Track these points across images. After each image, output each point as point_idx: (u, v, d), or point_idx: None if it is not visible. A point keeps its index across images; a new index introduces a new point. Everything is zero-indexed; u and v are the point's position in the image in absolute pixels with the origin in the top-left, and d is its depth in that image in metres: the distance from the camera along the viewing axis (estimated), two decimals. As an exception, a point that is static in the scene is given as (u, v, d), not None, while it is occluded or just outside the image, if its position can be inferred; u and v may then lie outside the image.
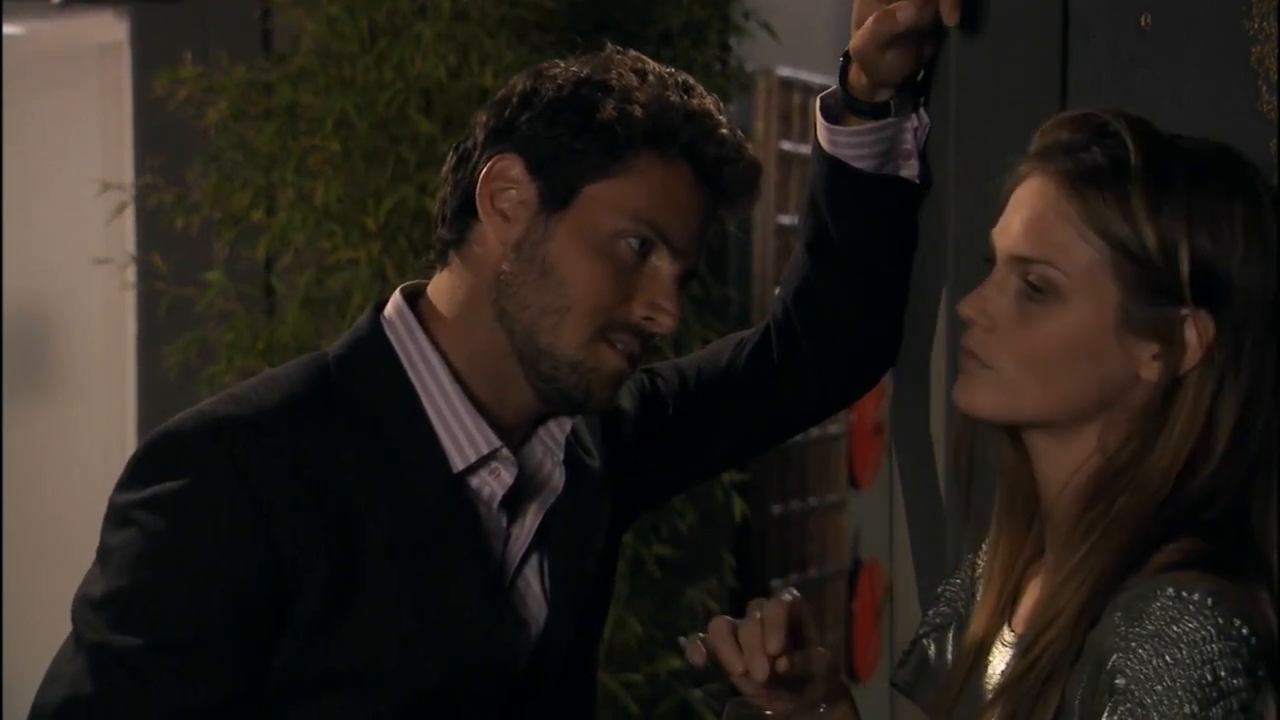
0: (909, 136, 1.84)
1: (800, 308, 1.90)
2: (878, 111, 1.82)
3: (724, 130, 1.65)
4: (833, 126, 1.84)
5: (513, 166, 1.64)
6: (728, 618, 1.54)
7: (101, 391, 4.92)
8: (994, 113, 1.79)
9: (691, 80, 1.67)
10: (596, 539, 1.75)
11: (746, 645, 1.50)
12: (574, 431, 1.73)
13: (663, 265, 1.64)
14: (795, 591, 1.56)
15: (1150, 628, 1.32)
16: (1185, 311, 1.40)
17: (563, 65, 1.66)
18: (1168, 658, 1.30)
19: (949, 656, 1.63)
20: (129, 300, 4.66)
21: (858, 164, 1.84)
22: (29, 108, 4.92)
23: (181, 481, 1.56)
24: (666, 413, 1.87)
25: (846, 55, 1.82)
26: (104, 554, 1.59)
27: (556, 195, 1.63)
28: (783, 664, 1.51)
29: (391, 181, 3.52)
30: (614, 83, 1.63)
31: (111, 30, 4.82)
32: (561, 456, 1.71)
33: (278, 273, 3.90)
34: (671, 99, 1.64)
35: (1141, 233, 1.39)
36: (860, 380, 1.96)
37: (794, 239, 1.97)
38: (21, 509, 4.87)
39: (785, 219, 4.59)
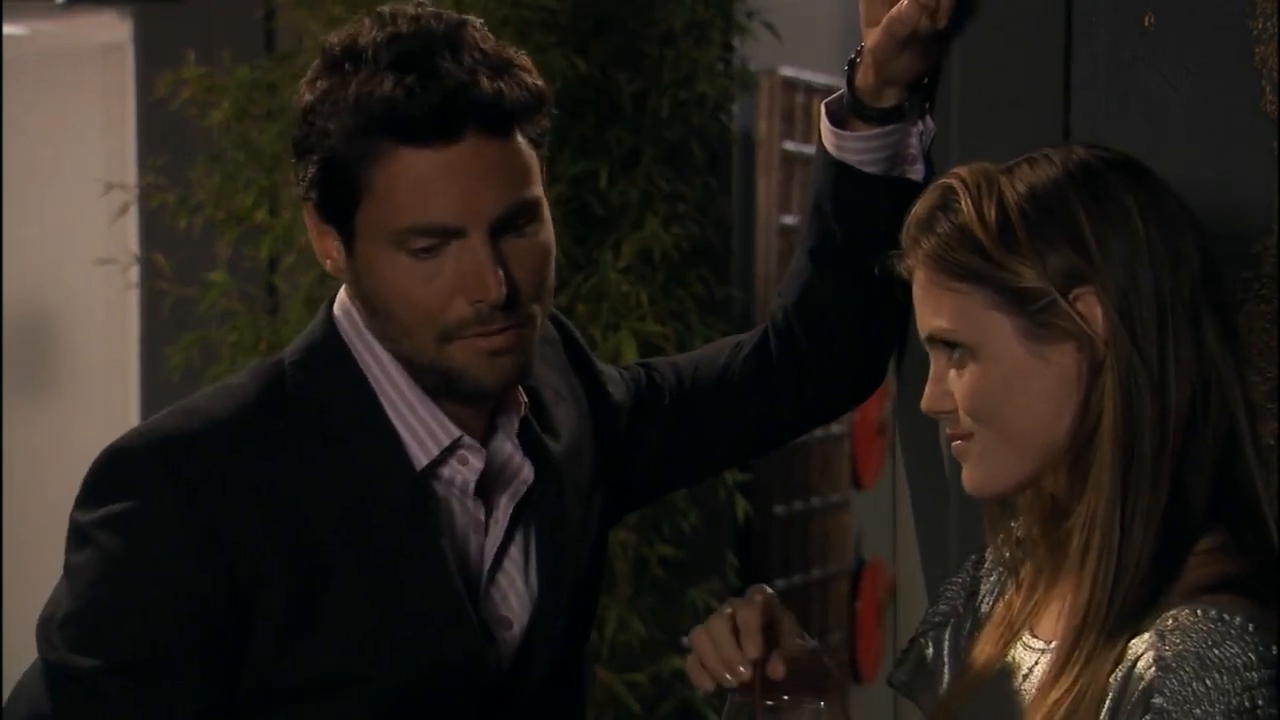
0: (914, 140, 1.84)
1: (802, 311, 1.89)
2: (885, 116, 1.82)
3: (409, 80, 1.52)
4: (839, 131, 1.83)
5: (310, 216, 1.62)
6: (702, 627, 1.54)
7: (104, 392, 4.92)
8: (997, 114, 1.79)
9: (400, 30, 1.54)
10: (573, 528, 1.72)
11: (724, 654, 1.51)
12: (525, 421, 1.68)
13: (460, 246, 1.55)
14: (767, 589, 1.56)
15: (1191, 648, 1.34)
16: (1071, 295, 1.43)
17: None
18: (1208, 681, 1.32)
19: (945, 656, 1.63)
20: (132, 300, 4.66)
21: (864, 168, 1.83)
22: (31, 108, 4.92)
23: (130, 502, 1.55)
24: (662, 405, 1.86)
25: (852, 60, 1.82)
26: (66, 573, 1.58)
27: (343, 236, 1.59)
28: (775, 669, 1.51)
29: (394, 181, 3.51)
30: (316, 104, 1.57)
31: (114, 30, 4.82)
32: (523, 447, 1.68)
33: (281, 272, 3.91)
34: (369, 90, 1.53)
35: (1001, 263, 1.44)
36: (859, 386, 1.95)
37: (797, 240, 1.97)
38: (22, 509, 4.86)
39: (788, 219, 4.58)
